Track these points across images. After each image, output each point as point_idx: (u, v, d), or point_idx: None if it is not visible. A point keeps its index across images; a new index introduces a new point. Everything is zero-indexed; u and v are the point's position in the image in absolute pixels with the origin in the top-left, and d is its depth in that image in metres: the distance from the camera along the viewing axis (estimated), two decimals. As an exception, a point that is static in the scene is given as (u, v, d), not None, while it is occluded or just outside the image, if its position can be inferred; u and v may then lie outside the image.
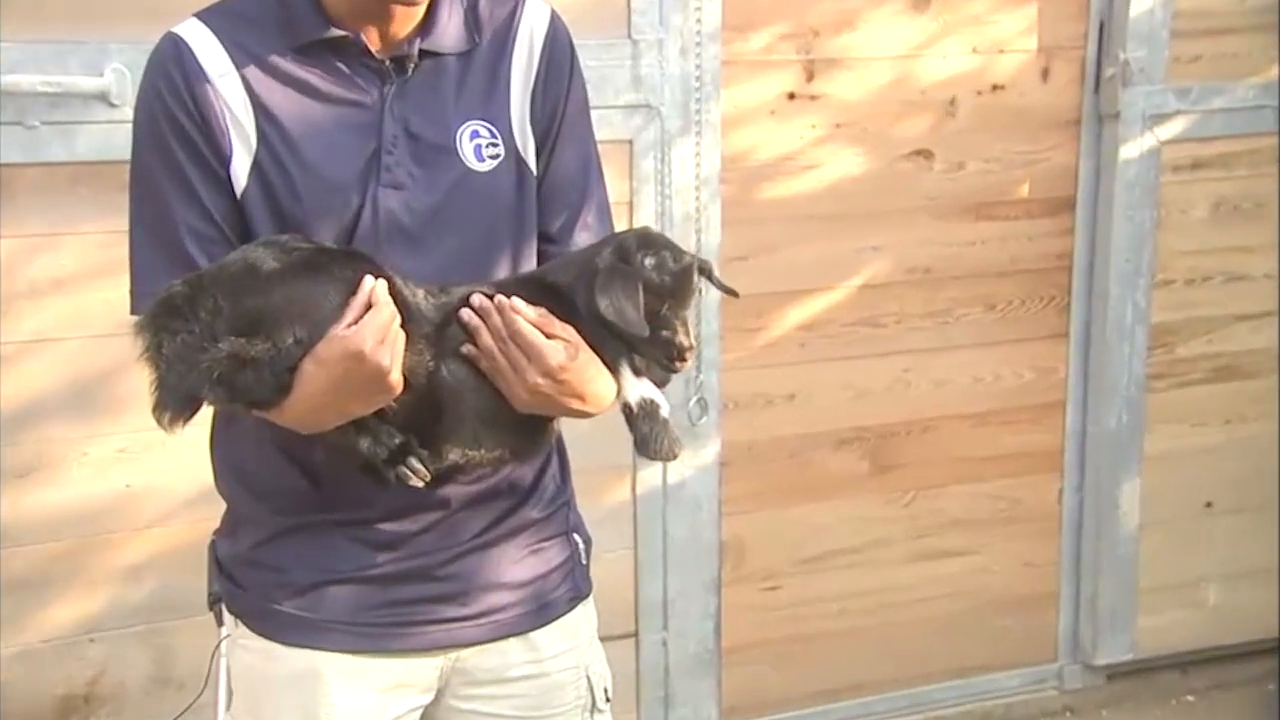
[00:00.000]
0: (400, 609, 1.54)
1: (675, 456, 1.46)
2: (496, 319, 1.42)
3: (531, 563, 1.60)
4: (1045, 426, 3.11)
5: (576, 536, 1.67)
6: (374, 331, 1.35)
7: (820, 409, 2.93)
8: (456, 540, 1.55)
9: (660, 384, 1.49)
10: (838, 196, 2.85)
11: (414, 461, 1.44)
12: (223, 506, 1.63)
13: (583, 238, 1.58)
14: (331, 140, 1.45)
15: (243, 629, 1.58)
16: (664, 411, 1.47)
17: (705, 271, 1.50)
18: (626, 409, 1.47)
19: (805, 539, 2.98)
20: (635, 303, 1.40)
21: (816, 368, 2.90)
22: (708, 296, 2.73)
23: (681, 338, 1.44)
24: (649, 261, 1.43)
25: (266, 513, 1.55)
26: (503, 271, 1.53)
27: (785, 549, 2.97)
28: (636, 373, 1.47)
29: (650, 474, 2.80)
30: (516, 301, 1.43)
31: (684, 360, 1.45)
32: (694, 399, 2.79)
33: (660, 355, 1.46)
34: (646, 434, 1.46)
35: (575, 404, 1.45)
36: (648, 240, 1.46)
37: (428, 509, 1.53)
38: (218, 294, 1.36)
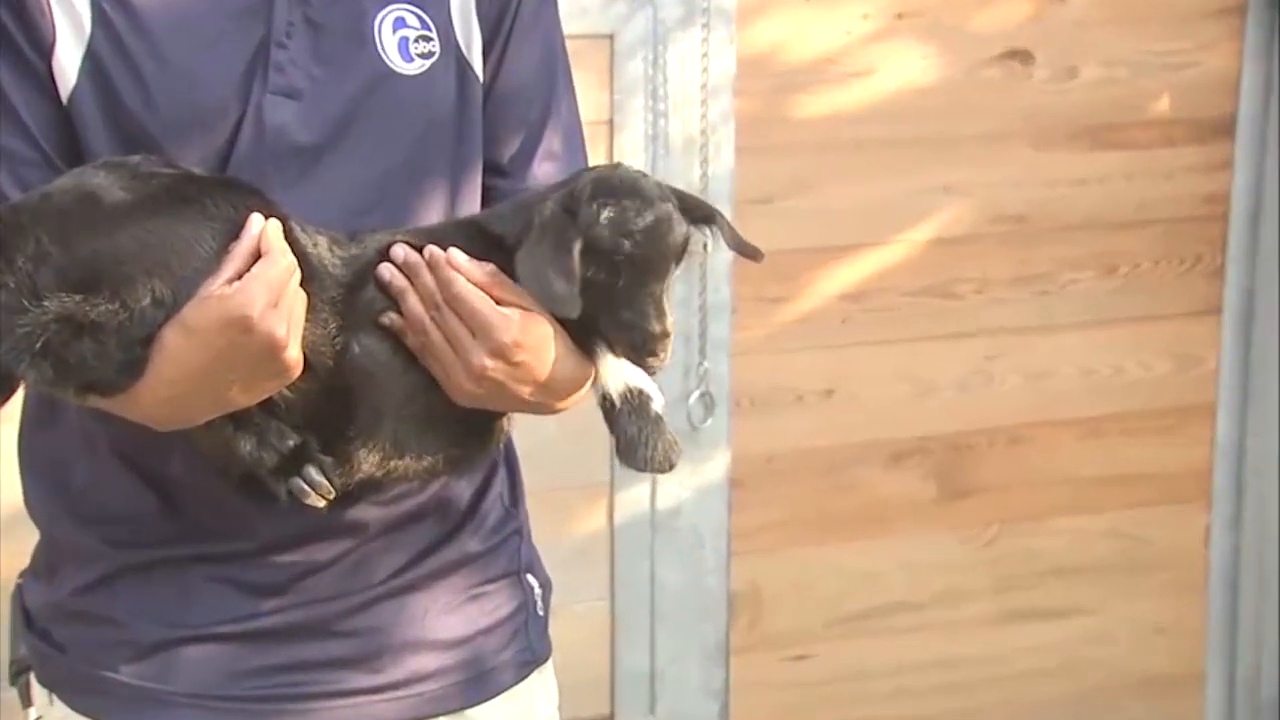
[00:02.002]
0: (285, 677, 1.57)
1: (671, 466, 1.49)
2: (428, 278, 1.45)
3: (469, 613, 1.64)
4: (1186, 438, 3.15)
5: (531, 578, 1.70)
6: (265, 290, 1.37)
7: (868, 410, 2.97)
8: (367, 582, 1.58)
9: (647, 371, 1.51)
10: (897, 115, 2.89)
11: (313, 472, 1.46)
12: (35, 537, 1.64)
13: (545, 170, 1.61)
14: (201, 26, 1.48)
15: (60, 707, 1.59)
16: (656, 405, 1.49)
17: (709, 221, 1.51)
18: (606, 402, 1.50)
19: (846, 590, 3.02)
20: (565, 271, 1.41)
21: (864, 353, 2.94)
22: (715, 257, 2.76)
23: (651, 322, 1.45)
24: (606, 214, 1.44)
25: (98, 544, 1.57)
26: (434, 214, 1.56)
27: (818, 603, 3.01)
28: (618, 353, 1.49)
29: (634, 496, 2.83)
30: (455, 254, 1.45)
31: (654, 354, 1.46)
32: (696, 393, 2.82)
33: (623, 344, 1.47)
34: (634, 436, 1.48)
35: (533, 394, 1.48)
36: (607, 184, 1.46)
37: (328, 538, 1.56)
38: (41, 234, 1.37)
